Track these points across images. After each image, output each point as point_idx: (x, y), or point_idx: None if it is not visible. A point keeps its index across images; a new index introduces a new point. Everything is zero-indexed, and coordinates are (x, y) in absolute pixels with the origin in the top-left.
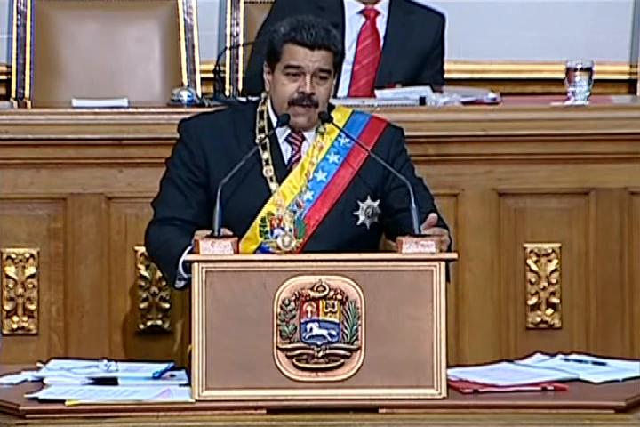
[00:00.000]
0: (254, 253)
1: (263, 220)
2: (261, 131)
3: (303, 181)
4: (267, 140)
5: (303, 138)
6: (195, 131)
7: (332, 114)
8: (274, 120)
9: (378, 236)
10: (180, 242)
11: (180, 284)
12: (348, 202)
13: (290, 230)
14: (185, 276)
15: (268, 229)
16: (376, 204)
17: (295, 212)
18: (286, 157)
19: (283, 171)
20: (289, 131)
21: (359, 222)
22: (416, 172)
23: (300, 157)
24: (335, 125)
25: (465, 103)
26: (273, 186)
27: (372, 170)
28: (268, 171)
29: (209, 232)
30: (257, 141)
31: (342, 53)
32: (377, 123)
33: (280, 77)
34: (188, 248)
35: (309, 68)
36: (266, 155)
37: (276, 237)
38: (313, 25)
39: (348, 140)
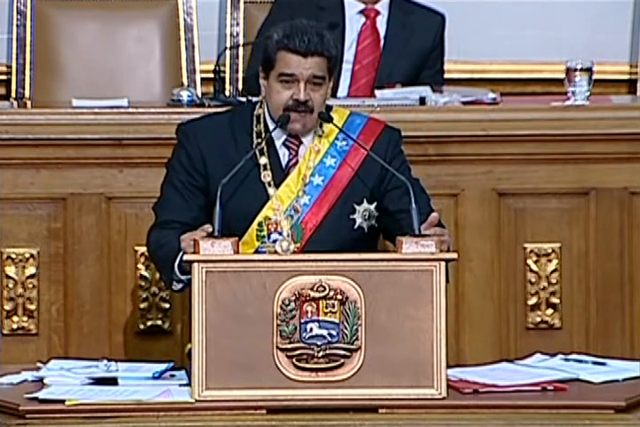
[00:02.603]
0: None
1: (260, 224)
2: (258, 135)
3: (300, 185)
4: (264, 145)
5: (300, 142)
6: (193, 134)
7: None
8: (270, 124)
9: (376, 239)
10: (176, 245)
11: (177, 286)
12: (344, 205)
13: (287, 235)
14: (181, 278)
15: (265, 233)
16: (372, 206)
17: (292, 216)
18: (284, 161)
19: (280, 175)
20: (286, 135)
21: (356, 226)
22: (413, 172)
23: (297, 161)
24: (335, 125)
25: (465, 103)
26: (271, 191)
27: (369, 172)
28: (266, 176)
29: (194, 234)
30: (254, 145)
31: (337, 57)
32: (374, 124)
33: (274, 84)
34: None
35: (303, 75)
36: (264, 160)
37: (274, 241)
38: (306, 31)
39: (345, 142)
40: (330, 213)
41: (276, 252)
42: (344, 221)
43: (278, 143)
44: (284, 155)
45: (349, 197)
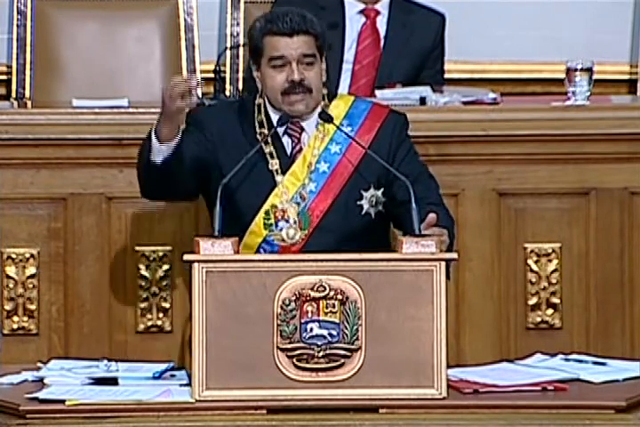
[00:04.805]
0: (259, 246)
1: (267, 212)
2: (261, 124)
3: (306, 172)
4: (267, 135)
5: (302, 129)
6: (205, 118)
7: (335, 102)
8: (272, 114)
9: (384, 224)
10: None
11: (157, 157)
12: (351, 192)
13: (294, 222)
14: (158, 147)
15: (272, 221)
16: (379, 192)
17: (299, 203)
18: (288, 149)
19: (287, 163)
20: (287, 123)
21: (364, 212)
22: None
23: (300, 149)
24: (335, 125)
25: (465, 103)
26: (279, 178)
27: (375, 159)
28: (274, 164)
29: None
30: (258, 137)
31: (324, 35)
32: (379, 110)
33: (267, 71)
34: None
35: (293, 55)
36: (269, 148)
37: (281, 229)
38: (286, 13)
39: (349, 129)
40: (336, 199)
41: (282, 240)
42: (351, 208)
43: (280, 131)
44: (287, 143)
45: (356, 184)
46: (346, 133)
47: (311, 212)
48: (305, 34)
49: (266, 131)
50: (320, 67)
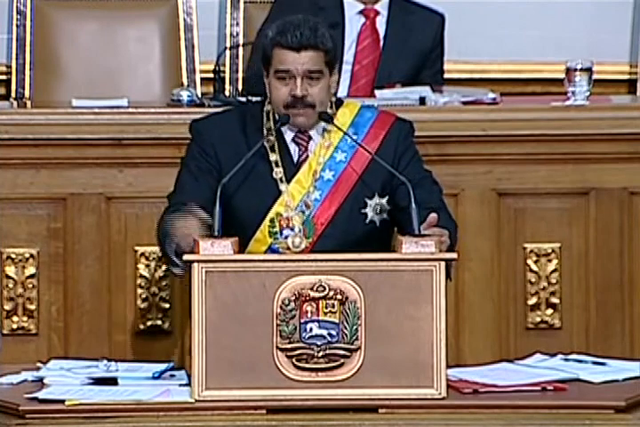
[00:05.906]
0: (264, 254)
1: (272, 220)
2: (269, 131)
3: (311, 180)
4: (274, 142)
5: (310, 138)
6: (205, 131)
7: (341, 109)
8: None
9: (388, 233)
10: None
11: (178, 271)
12: (355, 200)
13: (299, 231)
14: (179, 264)
15: (277, 229)
16: (384, 200)
17: (304, 212)
18: (295, 157)
19: (292, 171)
20: (295, 132)
21: (368, 220)
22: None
23: (307, 157)
24: (336, 126)
25: (465, 103)
26: (283, 187)
27: (380, 166)
28: (278, 172)
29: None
30: (266, 144)
31: (335, 50)
32: (385, 117)
33: (273, 81)
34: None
35: (298, 70)
36: (274, 156)
37: (286, 237)
38: (299, 26)
39: (355, 137)
40: (341, 207)
41: (288, 248)
42: (355, 216)
43: (288, 139)
44: (294, 151)
45: (360, 192)
46: (352, 138)
47: (316, 220)
48: (313, 49)
49: (273, 138)
50: (327, 81)
